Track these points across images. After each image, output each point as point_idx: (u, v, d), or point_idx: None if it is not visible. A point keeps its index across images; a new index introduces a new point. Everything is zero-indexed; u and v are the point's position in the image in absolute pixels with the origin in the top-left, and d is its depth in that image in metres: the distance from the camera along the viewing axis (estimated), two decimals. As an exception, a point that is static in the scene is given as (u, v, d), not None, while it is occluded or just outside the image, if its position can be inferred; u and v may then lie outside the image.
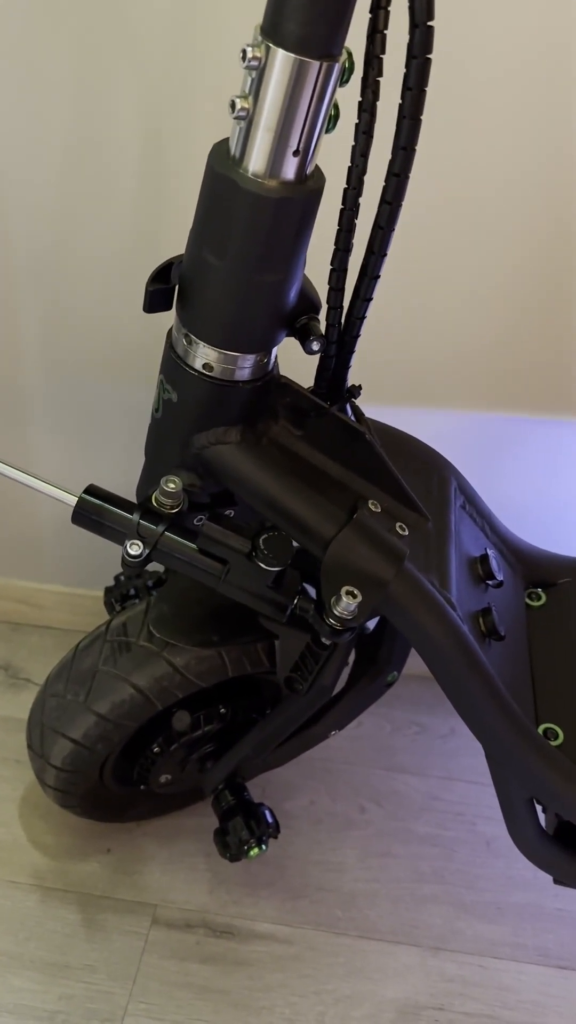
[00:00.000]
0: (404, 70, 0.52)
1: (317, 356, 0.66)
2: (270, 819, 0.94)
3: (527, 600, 0.86)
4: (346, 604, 0.64)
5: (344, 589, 0.65)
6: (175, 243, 0.67)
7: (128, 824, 1.08)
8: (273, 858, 1.07)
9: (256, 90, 0.51)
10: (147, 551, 0.67)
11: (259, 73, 0.50)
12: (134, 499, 0.72)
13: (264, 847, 0.92)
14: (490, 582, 0.79)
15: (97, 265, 0.92)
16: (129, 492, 0.73)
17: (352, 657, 0.89)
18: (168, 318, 0.66)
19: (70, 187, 0.87)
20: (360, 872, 1.07)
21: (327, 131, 0.54)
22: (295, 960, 0.99)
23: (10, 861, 1.03)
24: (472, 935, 1.03)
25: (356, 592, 0.65)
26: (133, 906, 1.01)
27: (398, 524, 0.72)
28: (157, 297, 0.62)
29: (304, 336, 0.63)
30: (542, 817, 0.77)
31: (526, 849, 0.80)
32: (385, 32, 0.53)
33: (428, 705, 1.26)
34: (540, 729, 0.75)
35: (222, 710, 0.93)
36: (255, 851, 0.92)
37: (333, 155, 0.60)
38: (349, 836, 1.11)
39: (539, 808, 0.76)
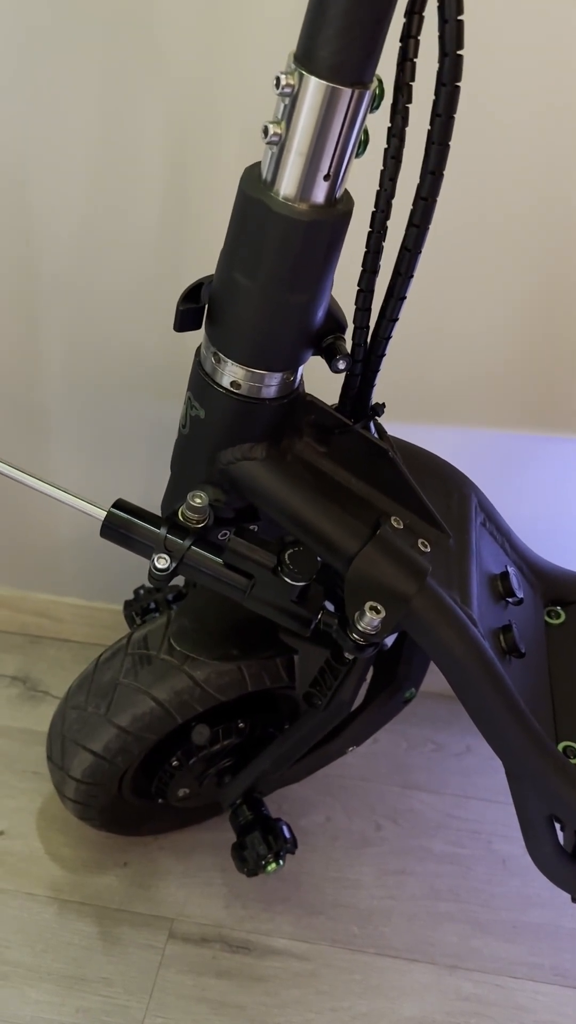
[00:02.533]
0: (433, 97, 0.53)
1: (342, 375, 0.67)
2: (288, 834, 0.94)
3: (546, 618, 0.87)
4: (370, 619, 0.65)
5: (368, 604, 0.65)
6: (197, 264, 0.68)
7: (145, 838, 1.08)
8: (289, 874, 1.07)
9: (289, 116, 0.52)
10: (174, 565, 0.68)
11: (292, 99, 0.52)
12: (158, 514, 0.73)
13: (281, 862, 0.92)
14: (510, 599, 0.79)
15: (119, 284, 0.94)
16: (149, 507, 0.74)
17: (370, 674, 0.90)
18: (188, 336, 0.67)
19: (93, 207, 0.88)
20: (376, 889, 1.07)
21: (357, 156, 0.56)
22: (311, 976, 0.99)
23: (28, 873, 1.04)
24: (488, 954, 1.02)
25: (380, 608, 0.65)
26: (150, 920, 1.02)
27: (420, 540, 0.72)
28: (188, 316, 0.63)
29: (330, 355, 0.64)
30: (561, 836, 0.77)
31: (544, 867, 0.80)
32: (415, 60, 0.54)
33: (444, 723, 1.26)
34: (560, 747, 0.76)
35: (241, 725, 0.93)
36: (272, 866, 0.92)
37: (360, 179, 0.61)
38: (365, 853, 1.11)
39: (558, 826, 0.77)
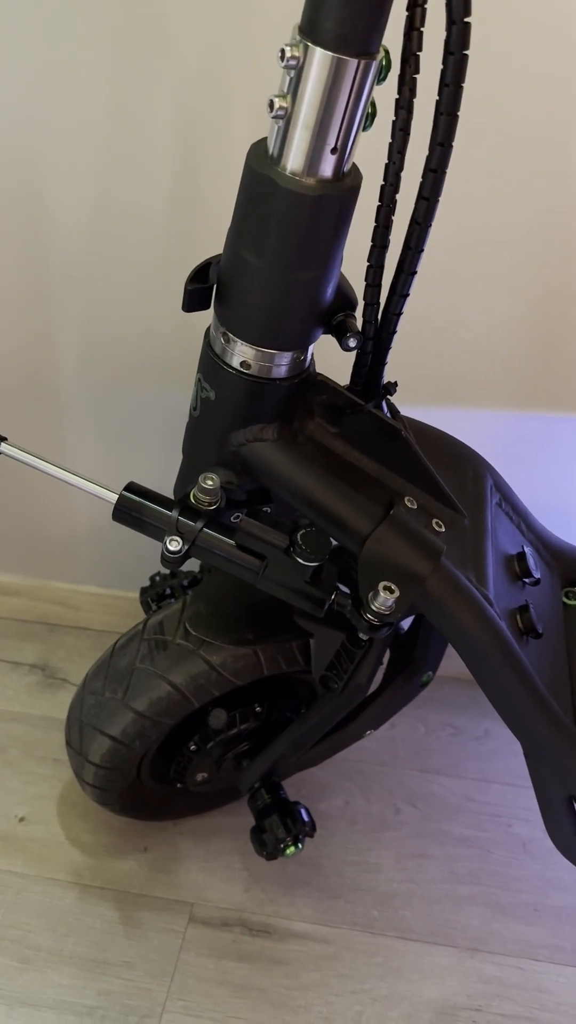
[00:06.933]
0: (441, 67, 0.52)
1: (353, 353, 0.67)
2: (306, 818, 0.94)
3: (564, 598, 0.86)
4: (383, 599, 0.65)
5: (381, 584, 0.65)
6: (210, 246, 0.68)
7: (164, 823, 1.09)
8: (308, 858, 1.07)
9: (295, 89, 0.51)
10: (186, 547, 0.68)
11: (297, 72, 0.51)
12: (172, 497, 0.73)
13: (300, 846, 0.92)
14: (527, 580, 0.78)
15: (130, 271, 0.94)
16: (165, 492, 0.74)
17: (387, 657, 0.89)
18: (200, 321, 0.66)
19: (103, 194, 0.88)
20: (396, 873, 1.07)
21: (364, 129, 0.55)
22: (332, 960, 0.99)
23: (49, 858, 1.05)
24: (510, 937, 1.02)
25: (393, 587, 0.65)
26: (170, 904, 1.02)
27: (434, 521, 0.72)
28: (195, 296, 0.63)
29: (341, 333, 0.64)
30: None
31: (564, 848, 0.80)
32: (422, 29, 0.53)
33: (462, 707, 1.25)
34: (579, 727, 0.75)
35: (257, 708, 0.93)
36: (291, 850, 0.92)
37: (369, 152, 0.60)
38: (384, 837, 1.11)
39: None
